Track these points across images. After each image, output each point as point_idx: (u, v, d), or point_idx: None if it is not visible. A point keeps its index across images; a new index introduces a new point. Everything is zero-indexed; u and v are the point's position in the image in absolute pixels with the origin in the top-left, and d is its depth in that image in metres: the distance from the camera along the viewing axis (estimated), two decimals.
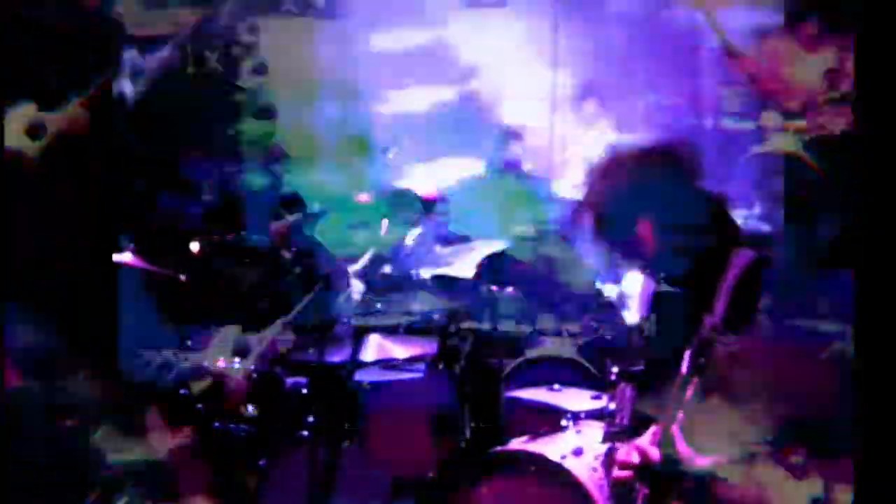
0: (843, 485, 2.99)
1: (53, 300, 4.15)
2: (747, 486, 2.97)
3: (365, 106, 6.70)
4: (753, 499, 2.97)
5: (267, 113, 5.85)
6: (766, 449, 3.01)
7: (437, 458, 5.00)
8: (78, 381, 4.14)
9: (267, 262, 5.23)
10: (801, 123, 4.77)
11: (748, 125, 6.16)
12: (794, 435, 3.03)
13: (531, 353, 5.82)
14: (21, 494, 4.07)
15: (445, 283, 5.89)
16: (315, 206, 5.96)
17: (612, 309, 6.23)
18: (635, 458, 3.15)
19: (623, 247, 3.30)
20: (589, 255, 6.29)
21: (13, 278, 3.99)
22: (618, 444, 3.44)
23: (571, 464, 4.40)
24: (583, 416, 4.71)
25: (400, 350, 4.95)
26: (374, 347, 4.86)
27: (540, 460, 4.44)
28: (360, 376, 4.84)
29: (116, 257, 4.52)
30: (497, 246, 6.03)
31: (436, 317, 5.43)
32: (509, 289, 5.54)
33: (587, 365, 5.62)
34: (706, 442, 3.08)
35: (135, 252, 4.57)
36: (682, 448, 3.11)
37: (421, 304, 5.49)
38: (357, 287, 5.87)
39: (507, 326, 5.86)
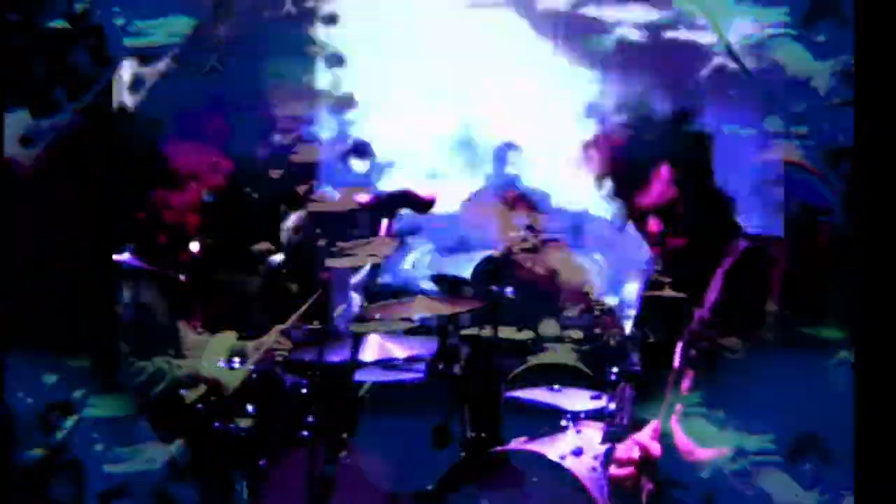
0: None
1: (53, 300, 4.16)
2: None
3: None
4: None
5: (337, 61, 5.82)
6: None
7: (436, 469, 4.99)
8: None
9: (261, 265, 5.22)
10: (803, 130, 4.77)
11: (750, 132, 6.15)
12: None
13: (533, 361, 5.81)
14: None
15: (446, 284, 5.89)
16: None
17: (613, 316, 6.22)
18: (636, 454, 3.16)
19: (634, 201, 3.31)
20: (591, 263, 6.30)
21: (13, 279, 4.00)
22: (617, 444, 3.44)
23: (571, 464, 4.41)
24: (583, 416, 4.72)
25: (400, 350, 4.94)
26: (374, 347, 4.86)
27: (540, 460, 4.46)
28: (360, 376, 4.84)
29: (117, 257, 4.52)
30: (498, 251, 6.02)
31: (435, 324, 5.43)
32: (509, 289, 5.53)
33: (590, 373, 5.61)
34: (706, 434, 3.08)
35: (134, 252, 4.56)
36: (682, 441, 3.11)
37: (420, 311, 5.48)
38: (356, 300, 5.86)
39: (507, 333, 5.85)
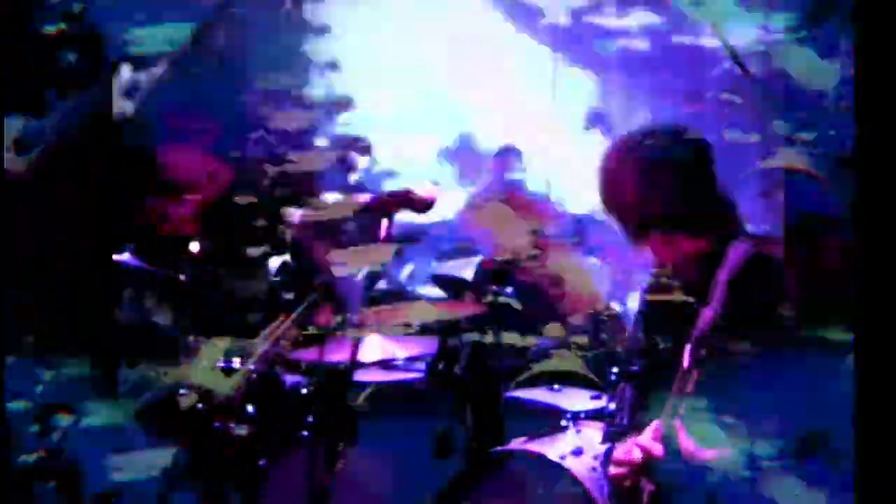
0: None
1: (53, 300, 4.16)
2: None
3: None
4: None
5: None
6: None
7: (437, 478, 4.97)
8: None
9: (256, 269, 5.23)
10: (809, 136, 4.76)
11: (753, 137, 6.14)
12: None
13: (536, 368, 5.80)
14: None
15: (446, 285, 5.89)
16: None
17: (618, 321, 6.21)
18: (637, 455, 3.14)
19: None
20: (595, 268, 6.28)
21: (13, 279, 4.00)
22: (617, 444, 3.43)
23: (571, 464, 4.40)
24: (583, 416, 4.71)
25: (400, 350, 4.93)
26: (374, 347, 4.84)
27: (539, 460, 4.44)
28: (360, 376, 4.83)
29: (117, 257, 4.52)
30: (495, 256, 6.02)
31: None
32: (509, 289, 5.52)
33: (595, 380, 5.60)
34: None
35: (134, 252, 4.56)
36: (685, 442, 3.09)
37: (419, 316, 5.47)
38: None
39: (510, 339, 5.84)
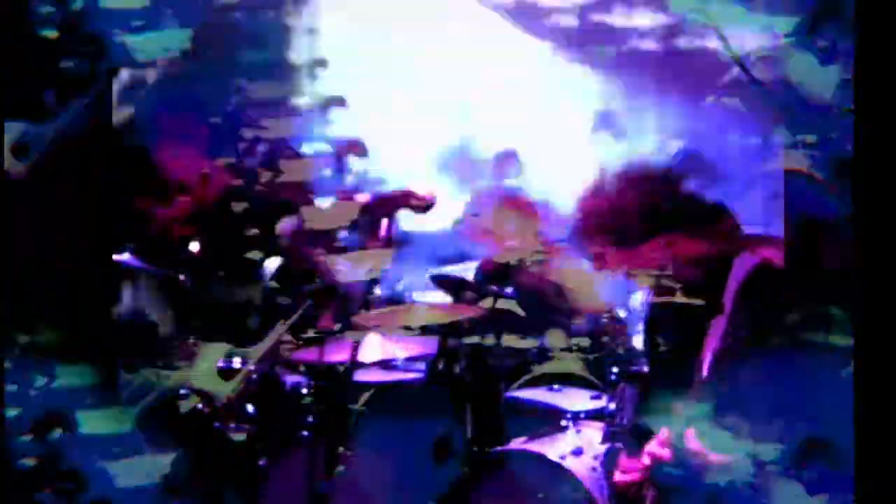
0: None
1: (53, 301, 4.16)
2: None
3: None
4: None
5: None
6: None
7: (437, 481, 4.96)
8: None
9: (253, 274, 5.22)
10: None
11: (756, 141, 6.14)
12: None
13: (537, 370, 5.78)
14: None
15: (446, 285, 5.86)
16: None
17: (621, 324, 6.19)
18: (645, 461, 3.15)
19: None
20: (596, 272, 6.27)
21: (13, 279, 4.01)
22: (620, 447, 3.44)
23: (571, 464, 4.40)
24: (583, 416, 4.71)
25: (400, 350, 4.93)
26: (374, 347, 4.84)
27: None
28: (360, 376, 4.83)
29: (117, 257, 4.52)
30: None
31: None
32: (509, 289, 5.52)
33: (597, 382, 5.59)
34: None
35: (133, 252, 4.57)
36: (695, 446, 3.10)
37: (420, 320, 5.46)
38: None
39: (511, 341, 5.83)
